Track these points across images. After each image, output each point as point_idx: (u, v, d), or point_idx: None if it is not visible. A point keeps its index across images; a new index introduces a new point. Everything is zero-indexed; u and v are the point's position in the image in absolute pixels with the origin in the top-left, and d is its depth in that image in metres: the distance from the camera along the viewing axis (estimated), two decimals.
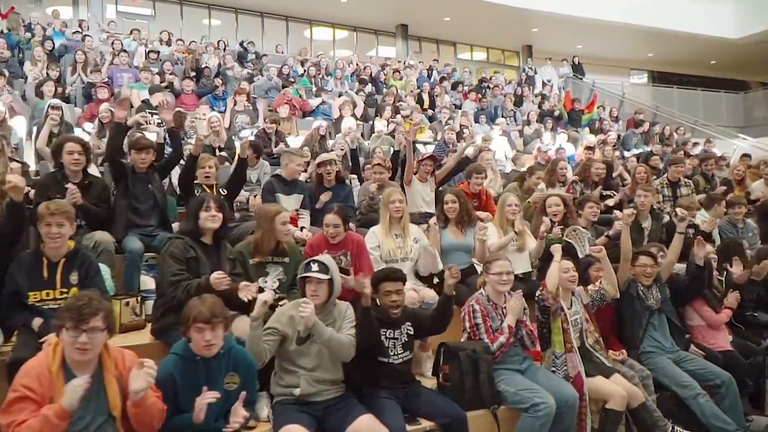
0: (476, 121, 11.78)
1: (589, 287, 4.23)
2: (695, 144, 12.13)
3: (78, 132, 6.92)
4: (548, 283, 3.97)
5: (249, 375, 2.95)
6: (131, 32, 12.08)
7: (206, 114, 7.82)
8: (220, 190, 5.00)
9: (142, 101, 8.13)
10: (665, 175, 7.42)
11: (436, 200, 5.59)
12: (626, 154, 11.17)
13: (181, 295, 3.38)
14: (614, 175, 7.89)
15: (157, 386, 2.65)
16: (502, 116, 12.46)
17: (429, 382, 3.88)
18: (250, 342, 3.14)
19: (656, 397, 4.14)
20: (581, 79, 17.84)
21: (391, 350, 3.53)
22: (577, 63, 18.30)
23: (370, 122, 10.24)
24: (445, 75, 14.77)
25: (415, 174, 6.03)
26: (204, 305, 2.77)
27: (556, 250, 4.13)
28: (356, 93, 10.96)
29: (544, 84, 16.71)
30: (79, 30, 11.23)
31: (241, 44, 13.26)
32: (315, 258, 3.43)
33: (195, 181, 4.94)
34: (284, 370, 3.34)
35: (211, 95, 9.35)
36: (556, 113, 13.03)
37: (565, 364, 3.89)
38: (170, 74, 9.58)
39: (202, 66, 10.53)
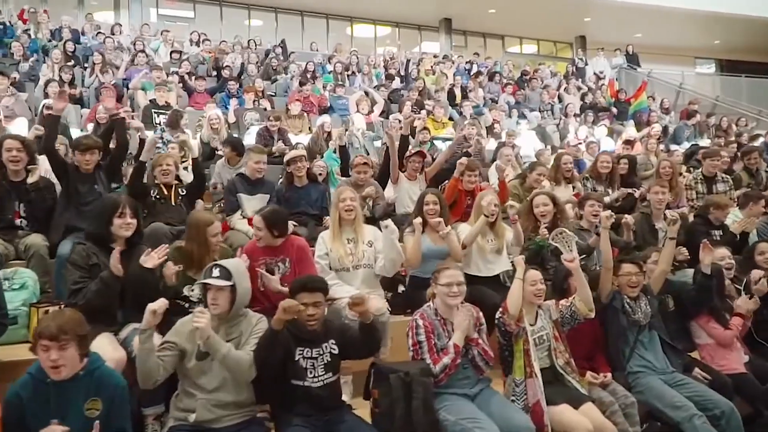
0: (509, 115, 11.14)
1: (561, 302, 3.64)
2: (756, 136, 10.99)
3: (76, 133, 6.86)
4: (509, 305, 3.43)
5: (115, 400, 2.57)
6: (161, 33, 12.12)
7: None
8: (179, 190, 4.70)
9: (150, 101, 8.02)
10: (700, 169, 6.64)
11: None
12: (673, 148, 10.24)
13: (80, 301, 3.10)
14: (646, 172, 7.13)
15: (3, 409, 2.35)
16: (539, 110, 11.77)
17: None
18: (139, 357, 2.80)
19: (643, 429, 3.52)
20: (636, 69, 16.71)
21: (310, 371, 3.09)
22: (631, 53, 17.17)
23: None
24: (482, 69, 14.06)
25: (403, 171, 5.60)
26: (55, 320, 2.43)
27: (519, 263, 3.56)
28: (377, 89, 10.53)
29: (597, 76, 15.77)
30: (103, 32, 11.28)
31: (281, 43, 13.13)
32: (218, 262, 3.07)
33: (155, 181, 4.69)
34: (184, 391, 2.98)
35: (225, 93, 9.16)
36: (601, 105, 12.15)
37: (525, 392, 3.35)
38: (186, 73, 9.46)
39: (223, 65, 10.38)
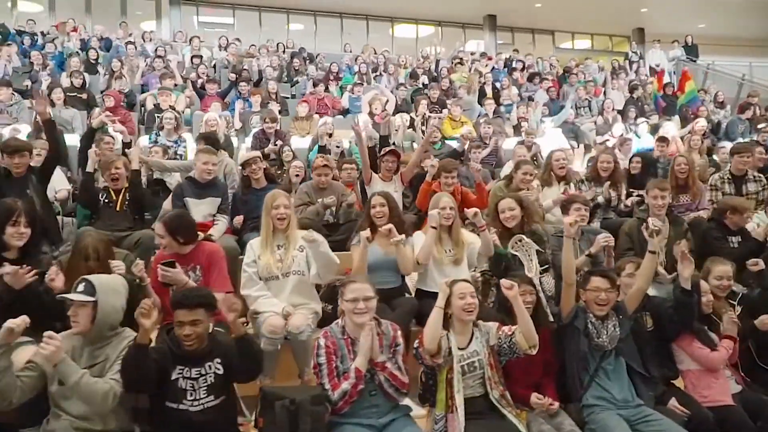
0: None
1: (504, 328, 3.12)
2: None
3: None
4: (425, 338, 2.97)
5: None
6: (190, 40, 12.20)
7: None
8: (127, 195, 4.50)
9: (153, 105, 7.98)
10: (728, 167, 5.88)
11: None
12: (723, 144, 9.30)
13: None
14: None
15: None
16: (575, 107, 11.04)
17: None
18: None
19: None
20: (695, 61, 15.50)
21: (189, 393, 2.76)
22: (691, 44, 15.96)
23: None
24: (517, 65, 13.41)
25: (377, 172, 5.22)
26: None
27: (443, 289, 3.06)
28: (398, 88, 10.15)
29: (654, 70, 14.74)
30: (132, 41, 11.44)
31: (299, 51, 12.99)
32: (87, 276, 2.80)
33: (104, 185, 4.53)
34: (53, 414, 2.73)
35: (236, 96, 9.04)
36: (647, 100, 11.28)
37: (445, 428, 2.90)
38: (205, 77, 9.42)
39: (241, 69, 10.30)
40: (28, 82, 8.28)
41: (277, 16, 16.78)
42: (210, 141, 5.77)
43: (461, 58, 13.53)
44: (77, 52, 9.98)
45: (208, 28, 15.87)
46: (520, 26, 18.61)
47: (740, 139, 9.76)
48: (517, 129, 9.46)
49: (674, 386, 3.54)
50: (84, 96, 8.26)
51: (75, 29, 11.81)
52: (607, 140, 8.27)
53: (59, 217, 4.93)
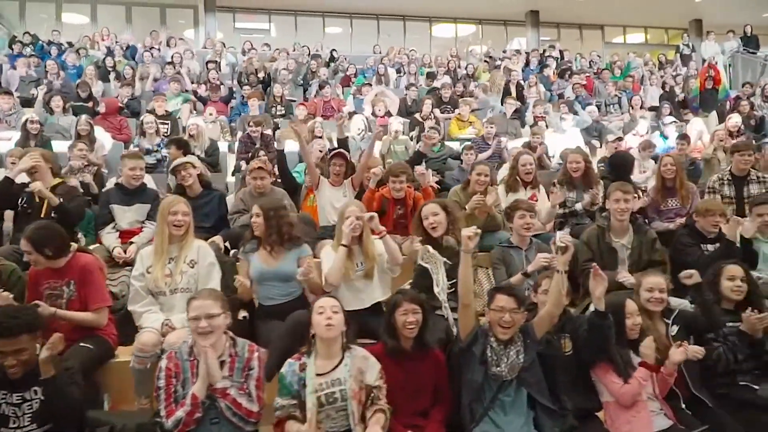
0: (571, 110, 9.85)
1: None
2: None
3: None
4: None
5: None
6: (212, 46, 12.30)
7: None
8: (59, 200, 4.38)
9: (147, 111, 8.01)
10: (729, 167, 5.23)
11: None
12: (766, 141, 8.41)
13: None
14: None
15: None
16: (605, 104, 10.35)
17: None
18: None
19: None
20: (754, 53, 14.24)
21: (13, 420, 2.58)
22: (750, 34, 14.67)
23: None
24: (549, 63, 12.74)
25: (326, 177, 4.94)
26: None
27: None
28: (409, 88, 9.80)
29: (706, 63, 13.66)
30: (156, 48, 11.65)
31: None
32: None
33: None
34: None
35: (240, 101, 8.99)
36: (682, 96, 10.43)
37: None
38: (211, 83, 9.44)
39: (250, 72, 10.27)
40: (34, 91, 8.50)
41: (313, 19, 16.73)
42: (180, 145, 5.71)
43: (491, 56, 13.04)
44: (100, 60, 10.21)
45: (245, 34, 16.00)
46: (566, 21, 17.78)
47: None
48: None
49: (595, 419, 3.07)
50: (90, 105, 8.39)
51: (104, 38, 12.14)
52: (621, 138, 7.61)
53: None
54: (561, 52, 13.99)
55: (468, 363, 2.97)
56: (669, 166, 4.90)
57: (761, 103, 10.32)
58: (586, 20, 17.80)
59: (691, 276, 3.32)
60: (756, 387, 3.23)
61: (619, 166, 5.10)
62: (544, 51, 13.70)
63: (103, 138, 7.55)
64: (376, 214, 3.47)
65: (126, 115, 8.34)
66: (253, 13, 16.49)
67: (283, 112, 8.99)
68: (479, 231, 3.01)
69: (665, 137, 8.60)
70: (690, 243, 4.16)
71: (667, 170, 4.91)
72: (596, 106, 10.33)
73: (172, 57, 10.54)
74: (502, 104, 10.20)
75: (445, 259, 3.44)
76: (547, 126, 9.00)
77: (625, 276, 3.90)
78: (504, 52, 13.36)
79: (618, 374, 2.96)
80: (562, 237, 2.88)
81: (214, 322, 2.68)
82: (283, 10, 16.46)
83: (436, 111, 9.26)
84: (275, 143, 6.25)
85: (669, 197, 4.96)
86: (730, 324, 3.38)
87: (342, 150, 4.92)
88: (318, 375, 2.72)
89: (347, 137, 5.45)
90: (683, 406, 3.13)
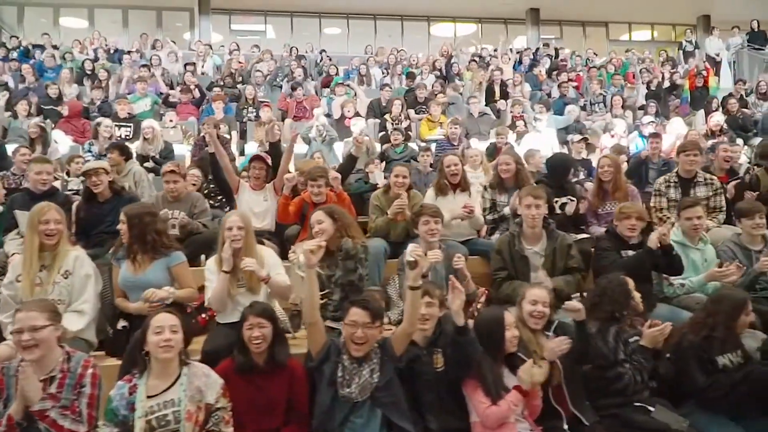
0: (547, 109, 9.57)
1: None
2: None
3: None
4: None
5: None
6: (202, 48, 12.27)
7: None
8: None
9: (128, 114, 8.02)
10: (675, 170, 4.95)
11: None
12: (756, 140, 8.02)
13: None
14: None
15: None
16: (590, 102, 10.05)
17: None
18: None
19: None
20: (761, 49, 13.69)
21: None
22: (757, 29, 14.11)
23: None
24: (540, 61, 12.46)
25: (246, 180, 4.80)
26: None
27: None
28: (382, 88, 9.63)
29: (713, 59, 13.21)
30: (138, 51, 11.66)
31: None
32: None
33: None
34: None
35: (209, 104, 8.91)
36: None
37: None
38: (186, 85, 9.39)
39: (226, 74, 10.21)
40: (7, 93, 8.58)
41: (309, 20, 16.64)
42: (122, 150, 5.62)
43: (480, 56, 12.79)
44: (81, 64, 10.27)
45: (241, 35, 15.99)
46: (568, 19, 17.39)
47: None
48: (513, 127, 8.70)
49: None
50: (59, 108, 8.40)
51: (93, 42, 12.21)
52: (585, 138, 7.32)
53: None
54: (556, 50, 13.68)
55: (319, 382, 2.79)
56: (606, 168, 4.66)
57: (756, 100, 9.90)
58: (590, 17, 17.41)
59: (577, 310, 3.01)
60: (651, 408, 3.01)
61: (556, 168, 4.84)
62: (537, 50, 13.37)
63: (63, 141, 7.58)
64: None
65: (95, 117, 8.33)
66: (249, 15, 16.45)
67: (255, 113, 8.88)
68: (323, 244, 2.82)
69: (645, 137, 8.28)
70: (607, 247, 3.92)
71: (603, 172, 4.67)
72: (582, 105, 10.09)
73: (150, 59, 10.52)
74: (487, 104, 10.01)
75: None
76: (525, 125, 8.79)
77: (542, 279, 3.71)
78: (495, 50, 13.03)
79: (486, 393, 2.75)
80: (412, 251, 2.66)
81: (39, 335, 2.53)
82: (279, 12, 16.40)
83: (411, 111, 9.09)
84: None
85: (607, 200, 4.72)
86: (632, 339, 3.20)
87: (261, 154, 4.77)
88: (149, 397, 2.56)
89: (279, 141, 5.28)
90: (566, 426, 2.92)
